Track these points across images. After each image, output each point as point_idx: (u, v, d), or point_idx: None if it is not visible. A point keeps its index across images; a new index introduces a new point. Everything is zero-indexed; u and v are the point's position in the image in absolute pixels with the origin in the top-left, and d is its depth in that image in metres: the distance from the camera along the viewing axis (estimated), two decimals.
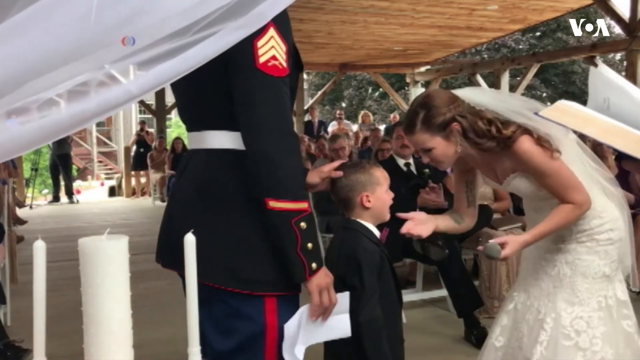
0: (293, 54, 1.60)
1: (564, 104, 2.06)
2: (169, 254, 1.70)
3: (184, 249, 1.47)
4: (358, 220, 2.04)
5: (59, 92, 1.22)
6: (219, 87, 1.55)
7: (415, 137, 2.10)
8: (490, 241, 2.00)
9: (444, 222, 2.26)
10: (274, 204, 1.48)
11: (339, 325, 1.65)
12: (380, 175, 2.05)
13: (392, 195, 2.09)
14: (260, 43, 1.47)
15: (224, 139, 1.60)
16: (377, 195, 2.03)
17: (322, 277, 1.55)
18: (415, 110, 2.10)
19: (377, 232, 2.06)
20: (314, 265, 1.52)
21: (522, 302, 2.24)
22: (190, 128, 1.73)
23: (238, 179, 1.57)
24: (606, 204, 2.18)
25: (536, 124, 2.04)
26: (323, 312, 1.58)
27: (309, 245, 1.51)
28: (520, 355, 2.17)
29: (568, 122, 2.01)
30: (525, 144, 2.03)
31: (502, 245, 1.99)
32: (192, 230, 1.22)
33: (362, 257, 1.97)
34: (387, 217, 2.09)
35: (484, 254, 2.05)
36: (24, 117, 1.19)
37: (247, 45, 1.45)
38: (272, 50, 1.49)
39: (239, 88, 1.51)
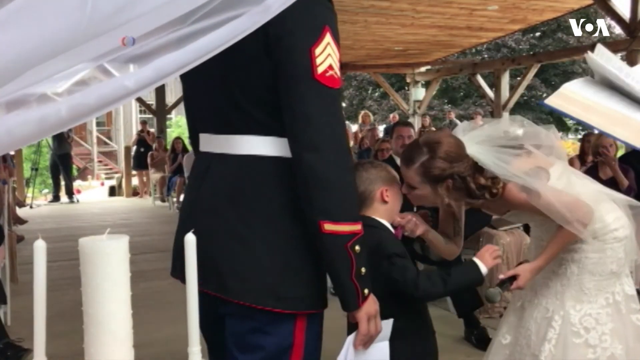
0: None
1: (568, 89, 2.04)
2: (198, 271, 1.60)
3: (213, 266, 1.44)
4: (374, 217, 2.01)
5: (57, 86, 1.19)
6: (258, 93, 1.44)
7: (409, 172, 2.06)
8: (501, 276, 2.03)
9: (433, 234, 2.26)
10: (329, 227, 1.38)
11: (379, 353, 1.62)
12: (396, 175, 2.09)
13: (401, 198, 2.10)
14: (317, 51, 1.36)
15: (262, 145, 1.47)
16: (394, 191, 2.05)
17: (372, 305, 1.49)
18: (421, 148, 2.04)
19: (392, 230, 2.07)
20: (366, 291, 1.45)
21: (530, 300, 2.26)
22: (212, 129, 1.57)
23: (278, 190, 1.47)
24: (609, 208, 2.19)
25: (524, 180, 2.03)
26: (369, 340, 1.52)
27: (363, 270, 1.43)
28: (528, 353, 2.18)
29: (572, 111, 2.01)
30: (512, 193, 2.05)
31: (514, 277, 2.03)
32: (192, 231, 1.21)
33: (389, 245, 1.97)
34: (397, 218, 2.09)
35: (484, 297, 2.09)
36: (22, 111, 1.15)
37: (303, 54, 1.35)
38: (329, 58, 1.37)
39: (293, 100, 1.39)
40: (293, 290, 1.46)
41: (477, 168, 2.04)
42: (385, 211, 2.03)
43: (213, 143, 1.57)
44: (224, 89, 1.49)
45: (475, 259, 1.98)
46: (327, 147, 1.37)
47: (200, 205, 1.57)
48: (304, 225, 1.44)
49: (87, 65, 1.19)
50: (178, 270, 1.57)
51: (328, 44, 1.38)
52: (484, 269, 1.96)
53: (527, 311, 2.26)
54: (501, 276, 2.05)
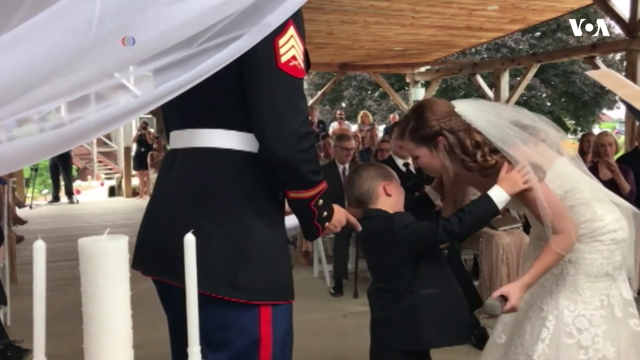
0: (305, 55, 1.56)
1: (610, 71, 2.18)
2: (157, 262, 1.61)
3: (175, 255, 1.43)
4: (382, 209, 2.15)
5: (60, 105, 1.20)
6: (227, 87, 1.50)
7: (404, 142, 2.17)
8: (488, 300, 1.99)
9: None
10: (294, 194, 1.56)
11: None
12: (392, 172, 2.24)
13: (403, 192, 2.21)
14: (281, 42, 1.43)
15: (224, 138, 1.54)
16: (394, 185, 2.18)
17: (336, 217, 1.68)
18: (407, 117, 2.15)
19: None
20: (326, 224, 1.64)
21: (525, 300, 2.25)
22: (178, 125, 1.64)
23: (239, 182, 1.52)
24: (610, 208, 2.18)
25: (519, 156, 2.01)
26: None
27: (325, 213, 1.62)
28: (522, 353, 2.18)
29: (607, 83, 2.13)
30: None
31: (504, 297, 2.00)
32: (192, 231, 1.21)
33: (401, 219, 2.09)
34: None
35: (484, 312, 2.07)
36: (25, 130, 1.17)
37: (267, 45, 1.41)
38: (292, 50, 1.45)
39: (257, 89, 1.46)
40: (252, 280, 1.50)
41: (473, 128, 2.05)
42: (390, 205, 2.15)
43: (180, 138, 1.63)
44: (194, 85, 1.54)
45: (492, 191, 1.97)
46: (288, 133, 1.46)
47: (162, 197, 1.63)
48: (265, 217, 1.53)
49: (92, 84, 1.19)
50: (139, 263, 1.64)
51: (292, 36, 1.45)
52: (501, 197, 1.96)
53: (522, 311, 2.25)
54: (489, 300, 1.98)
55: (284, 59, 1.44)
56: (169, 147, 1.70)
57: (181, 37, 1.18)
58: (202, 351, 1.48)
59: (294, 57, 1.45)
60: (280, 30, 1.41)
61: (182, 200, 1.56)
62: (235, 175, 1.53)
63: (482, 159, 2.02)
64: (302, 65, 1.49)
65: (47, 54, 1.08)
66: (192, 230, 1.21)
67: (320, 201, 1.58)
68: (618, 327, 2.14)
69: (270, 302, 1.52)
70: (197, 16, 1.17)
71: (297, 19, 1.47)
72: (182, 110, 1.62)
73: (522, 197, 2.04)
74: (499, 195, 1.96)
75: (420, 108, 2.13)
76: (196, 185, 1.55)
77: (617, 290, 2.17)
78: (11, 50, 1.07)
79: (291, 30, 1.45)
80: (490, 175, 2.06)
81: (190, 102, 1.56)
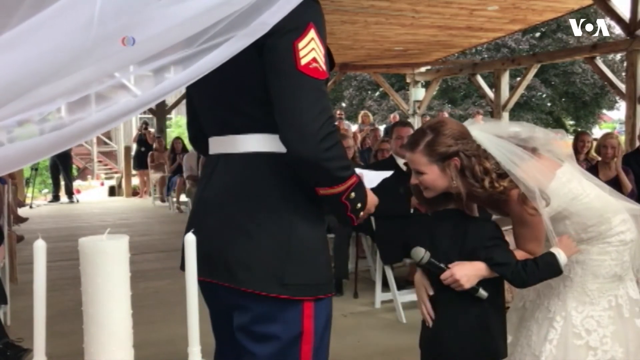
0: (328, 55, 1.57)
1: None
2: (204, 264, 1.59)
3: (222, 257, 1.55)
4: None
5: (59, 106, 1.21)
6: (254, 92, 1.53)
7: (414, 156, 2.07)
8: (418, 247, 1.99)
9: None
10: (324, 191, 1.55)
11: None
12: None
13: None
14: (301, 44, 1.45)
15: (260, 143, 1.57)
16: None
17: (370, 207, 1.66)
18: (424, 131, 2.07)
19: None
20: (360, 214, 1.63)
21: (532, 301, 2.26)
22: (216, 132, 1.69)
23: (277, 183, 1.57)
24: (616, 210, 2.19)
25: (529, 180, 2.01)
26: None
27: (358, 205, 1.60)
28: (528, 353, 2.18)
29: None
30: (511, 198, 2.04)
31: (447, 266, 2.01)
32: (192, 230, 1.22)
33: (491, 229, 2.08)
34: None
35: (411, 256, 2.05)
36: (24, 130, 1.17)
37: (287, 48, 1.44)
38: (312, 52, 1.47)
39: (280, 92, 1.48)
40: (297, 277, 1.55)
41: (485, 155, 2.04)
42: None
43: (219, 144, 1.68)
44: (221, 92, 1.58)
45: (557, 252, 2.03)
46: (312, 134, 1.46)
47: (207, 203, 1.67)
48: (305, 215, 1.57)
49: (92, 84, 1.20)
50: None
51: (312, 39, 1.47)
52: (563, 260, 2.02)
53: (528, 311, 2.26)
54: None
55: (304, 61, 1.45)
56: (209, 153, 1.73)
57: (182, 37, 1.19)
58: (247, 344, 1.59)
59: (314, 60, 1.47)
60: (300, 33, 1.44)
61: (225, 204, 1.61)
62: (274, 178, 1.57)
63: (490, 185, 2.01)
64: (324, 67, 1.50)
65: (48, 54, 1.08)
66: (192, 230, 1.21)
67: (353, 194, 1.57)
68: (626, 328, 2.14)
69: (313, 297, 1.57)
70: (198, 15, 1.18)
71: (317, 21, 1.49)
72: (216, 117, 1.67)
73: (523, 218, 2.04)
74: (562, 257, 2.03)
75: (439, 125, 2.07)
76: (238, 189, 1.60)
77: (624, 290, 2.17)
78: (11, 49, 1.07)
79: (311, 33, 1.47)
80: (496, 201, 2.07)
81: (222, 109, 1.62)
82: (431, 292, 2.09)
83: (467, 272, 1.97)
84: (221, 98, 1.60)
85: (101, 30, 1.08)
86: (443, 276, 1.99)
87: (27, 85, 1.09)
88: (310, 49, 1.46)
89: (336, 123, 1.59)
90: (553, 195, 2.04)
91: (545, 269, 2.01)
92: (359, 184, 1.60)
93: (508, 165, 2.03)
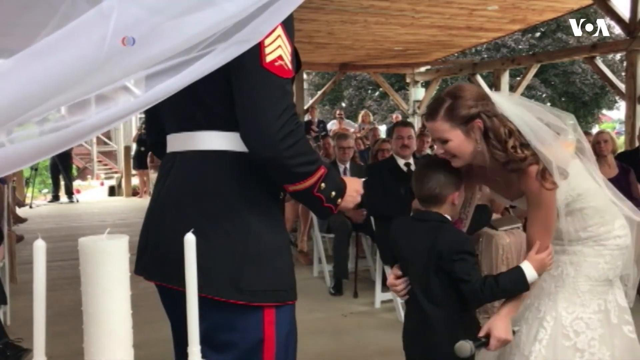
0: (294, 55, 1.55)
1: None
2: (159, 267, 1.60)
3: (177, 260, 1.39)
4: (443, 214, 2.11)
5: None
6: (218, 88, 1.49)
7: (435, 124, 2.01)
8: (460, 342, 1.92)
9: None
10: (293, 187, 1.53)
11: None
12: (461, 178, 2.15)
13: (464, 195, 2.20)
14: (267, 41, 1.42)
15: (220, 140, 1.54)
16: (461, 192, 2.13)
17: (348, 200, 1.63)
18: (442, 98, 2.02)
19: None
20: (338, 201, 1.60)
21: None
22: (176, 129, 1.64)
23: (237, 183, 1.52)
24: (617, 214, 2.19)
25: (549, 154, 1.97)
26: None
27: (332, 193, 1.58)
28: (517, 353, 2.17)
29: None
30: (530, 174, 1.99)
31: (488, 334, 1.99)
32: (192, 230, 1.21)
33: (467, 243, 2.07)
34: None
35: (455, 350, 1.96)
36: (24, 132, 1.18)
37: (253, 45, 1.42)
38: (278, 49, 1.44)
39: (242, 88, 1.45)
40: (255, 281, 1.50)
41: (506, 118, 2.00)
42: (451, 211, 2.13)
43: (177, 141, 1.63)
44: (185, 88, 1.54)
45: (525, 267, 1.99)
46: (274, 132, 1.43)
47: (164, 201, 1.62)
48: (265, 216, 1.53)
49: (98, 90, 1.21)
50: (141, 268, 1.63)
51: (279, 36, 1.45)
52: (531, 275, 1.99)
53: (518, 312, 2.25)
54: (472, 348, 1.93)
55: (269, 58, 1.43)
56: (167, 151, 1.68)
57: (187, 46, 1.19)
58: (206, 353, 1.46)
59: (280, 57, 1.45)
60: None
61: (182, 204, 1.56)
62: (234, 177, 1.53)
63: (513, 149, 1.95)
64: (290, 65, 1.48)
65: (61, 69, 1.08)
66: (193, 231, 1.20)
67: (323, 185, 1.54)
68: (613, 333, 2.14)
69: (273, 303, 1.52)
70: (207, 29, 1.18)
71: (286, 20, 1.45)
72: (177, 113, 1.61)
73: (538, 197, 2.00)
74: (531, 273, 1.98)
75: (457, 89, 2.03)
76: (195, 188, 1.55)
77: (613, 296, 2.17)
78: (28, 66, 1.08)
79: (278, 31, 1.44)
80: (515, 170, 2.00)
81: (185, 104, 1.55)
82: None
83: (504, 327, 1.98)
84: (184, 93, 1.52)
85: (114, 46, 1.08)
86: (492, 347, 1.99)
87: (39, 99, 1.09)
88: (276, 46, 1.44)
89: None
90: (562, 185, 2.01)
91: (508, 287, 1.99)
92: (328, 174, 1.57)
93: (531, 139, 1.98)
